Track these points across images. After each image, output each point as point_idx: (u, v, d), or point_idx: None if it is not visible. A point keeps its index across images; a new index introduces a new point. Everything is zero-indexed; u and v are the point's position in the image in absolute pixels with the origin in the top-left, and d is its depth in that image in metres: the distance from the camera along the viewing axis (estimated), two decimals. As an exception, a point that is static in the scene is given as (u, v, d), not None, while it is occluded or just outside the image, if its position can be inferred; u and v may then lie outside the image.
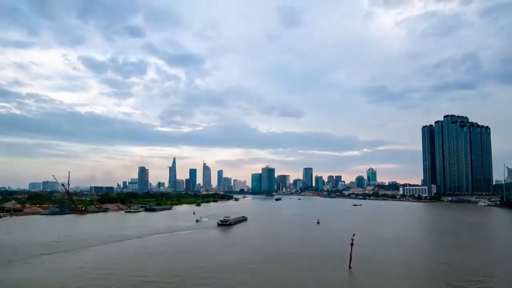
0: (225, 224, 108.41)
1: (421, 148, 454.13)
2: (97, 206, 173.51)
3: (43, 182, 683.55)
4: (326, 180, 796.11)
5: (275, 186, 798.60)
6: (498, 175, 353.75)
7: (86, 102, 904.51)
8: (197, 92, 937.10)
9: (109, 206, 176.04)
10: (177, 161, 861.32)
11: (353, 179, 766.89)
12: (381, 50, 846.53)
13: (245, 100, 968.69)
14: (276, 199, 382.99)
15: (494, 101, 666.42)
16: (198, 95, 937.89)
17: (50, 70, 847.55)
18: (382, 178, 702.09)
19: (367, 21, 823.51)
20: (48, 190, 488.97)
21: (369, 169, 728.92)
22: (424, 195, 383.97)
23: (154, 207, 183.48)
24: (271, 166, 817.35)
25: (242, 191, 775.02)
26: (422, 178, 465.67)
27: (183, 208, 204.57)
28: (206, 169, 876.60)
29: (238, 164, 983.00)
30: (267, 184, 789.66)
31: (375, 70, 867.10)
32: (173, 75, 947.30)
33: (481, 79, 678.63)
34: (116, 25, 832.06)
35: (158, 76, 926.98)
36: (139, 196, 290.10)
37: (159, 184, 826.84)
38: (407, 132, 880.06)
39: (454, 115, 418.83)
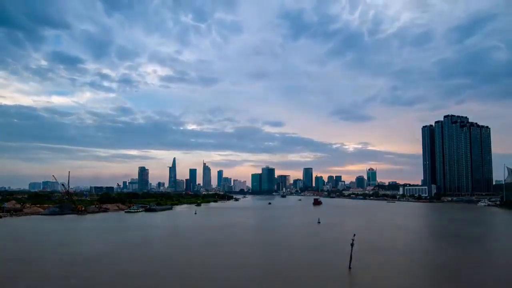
0: None
1: (394, 149, 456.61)
2: (97, 206, 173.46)
3: (43, 182, 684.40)
4: (326, 180, 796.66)
5: (275, 186, 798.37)
6: (498, 175, 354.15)
7: (92, 109, 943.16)
8: (190, 102, 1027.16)
9: (109, 206, 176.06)
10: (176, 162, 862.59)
11: (353, 179, 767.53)
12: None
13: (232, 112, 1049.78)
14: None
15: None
16: (192, 105, 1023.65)
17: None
18: (382, 178, 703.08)
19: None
20: (48, 190, 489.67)
21: (369, 169, 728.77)
22: (424, 195, 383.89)
23: (154, 207, 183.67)
24: (271, 166, 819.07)
25: (242, 191, 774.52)
26: (422, 178, 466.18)
27: (183, 208, 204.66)
28: (206, 169, 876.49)
29: (236, 164, 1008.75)
30: (267, 184, 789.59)
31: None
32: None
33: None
34: (123, 63, 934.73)
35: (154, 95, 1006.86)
36: (139, 196, 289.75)
37: (159, 184, 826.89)
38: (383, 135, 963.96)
39: (454, 115, 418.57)
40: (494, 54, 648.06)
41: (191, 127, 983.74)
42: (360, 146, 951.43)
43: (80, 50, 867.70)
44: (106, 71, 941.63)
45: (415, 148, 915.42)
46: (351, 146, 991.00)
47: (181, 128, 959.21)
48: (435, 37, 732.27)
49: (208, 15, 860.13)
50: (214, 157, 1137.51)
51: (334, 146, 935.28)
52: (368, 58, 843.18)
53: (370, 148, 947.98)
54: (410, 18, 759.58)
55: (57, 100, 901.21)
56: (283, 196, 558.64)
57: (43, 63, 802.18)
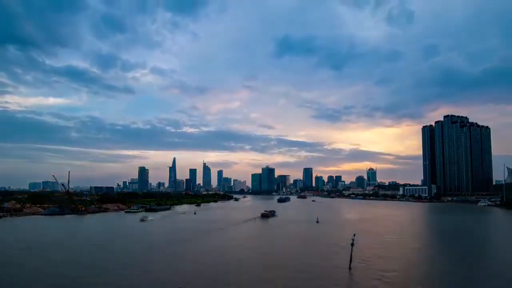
0: None
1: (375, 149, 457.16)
2: (97, 206, 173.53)
3: (43, 182, 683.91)
4: (326, 180, 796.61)
5: (275, 186, 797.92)
6: (498, 175, 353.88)
7: (94, 113, 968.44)
8: (188, 106, 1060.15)
9: (109, 206, 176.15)
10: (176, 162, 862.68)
11: (353, 179, 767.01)
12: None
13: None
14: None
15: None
16: (190, 109, 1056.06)
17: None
18: (383, 178, 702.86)
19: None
20: (48, 190, 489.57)
21: (369, 169, 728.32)
22: (424, 195, 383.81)
23: (155, 207, 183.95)
24: (271, 166, 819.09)
25: (242, 191, 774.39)
26: (422, 178, 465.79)
27: (184, 209, 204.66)
28: (206, 169, 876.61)
29: (236, 164, 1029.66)
30: (267, 184, 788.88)
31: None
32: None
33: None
34: (127, 74, 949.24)
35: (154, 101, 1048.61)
36: (140, 196, 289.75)
37: (159, 184, 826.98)
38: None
39: (454, 115, 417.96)
40: (458, 67, 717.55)
41: (189, 130, 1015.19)
42: (355, 147, 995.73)
43: (87, 64, 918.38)
44: (111, 81, 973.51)
45: (408, 149, 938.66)
46: (345, 147, 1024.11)
47: (180, 130, 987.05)
48: (405, 55, 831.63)
49: (202, 38, 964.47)
50: (212, 157, 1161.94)
51: (330, 147, 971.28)
52: (350, 69, 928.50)
53: (363, 149, 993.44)
54: (379, 41, 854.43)
55: (60, 103, 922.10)
56: (282, 200, 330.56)
57: (51, 74, 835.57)
